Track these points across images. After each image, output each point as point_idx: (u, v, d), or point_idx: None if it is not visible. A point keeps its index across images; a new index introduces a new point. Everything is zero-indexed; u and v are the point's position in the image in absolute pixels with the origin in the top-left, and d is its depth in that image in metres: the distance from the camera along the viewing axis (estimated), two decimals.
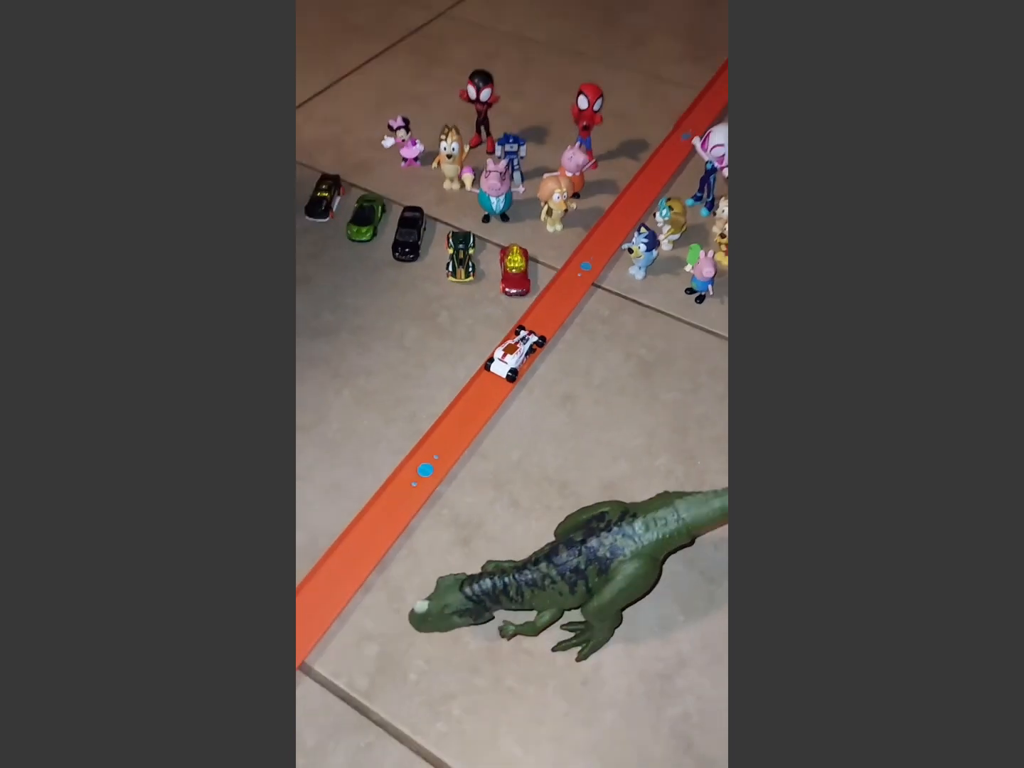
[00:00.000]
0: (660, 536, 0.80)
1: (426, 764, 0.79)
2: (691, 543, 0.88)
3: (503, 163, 1.35)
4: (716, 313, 1.27)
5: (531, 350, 1.18)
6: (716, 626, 0.89)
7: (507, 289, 1.27)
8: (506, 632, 0.86)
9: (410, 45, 1.89)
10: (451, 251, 1.32)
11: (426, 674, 0.85)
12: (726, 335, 1.24)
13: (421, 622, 0.83)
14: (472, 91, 1.46)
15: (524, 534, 0.97)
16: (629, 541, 0.80)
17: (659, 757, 0.80)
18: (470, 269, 1.30)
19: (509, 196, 1.38)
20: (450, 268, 1.30)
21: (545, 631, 0.85)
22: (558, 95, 1.70)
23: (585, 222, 1.42)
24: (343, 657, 0.86)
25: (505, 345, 1.15)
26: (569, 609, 0.85)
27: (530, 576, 0.81)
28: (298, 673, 0.84)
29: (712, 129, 1.35)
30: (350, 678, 0.85)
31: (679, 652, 0.88)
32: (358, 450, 1.07)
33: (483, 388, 1.14)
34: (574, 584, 0.80)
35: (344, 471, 1.04)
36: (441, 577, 0.83)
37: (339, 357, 1.19)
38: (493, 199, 1.37)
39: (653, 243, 1.26)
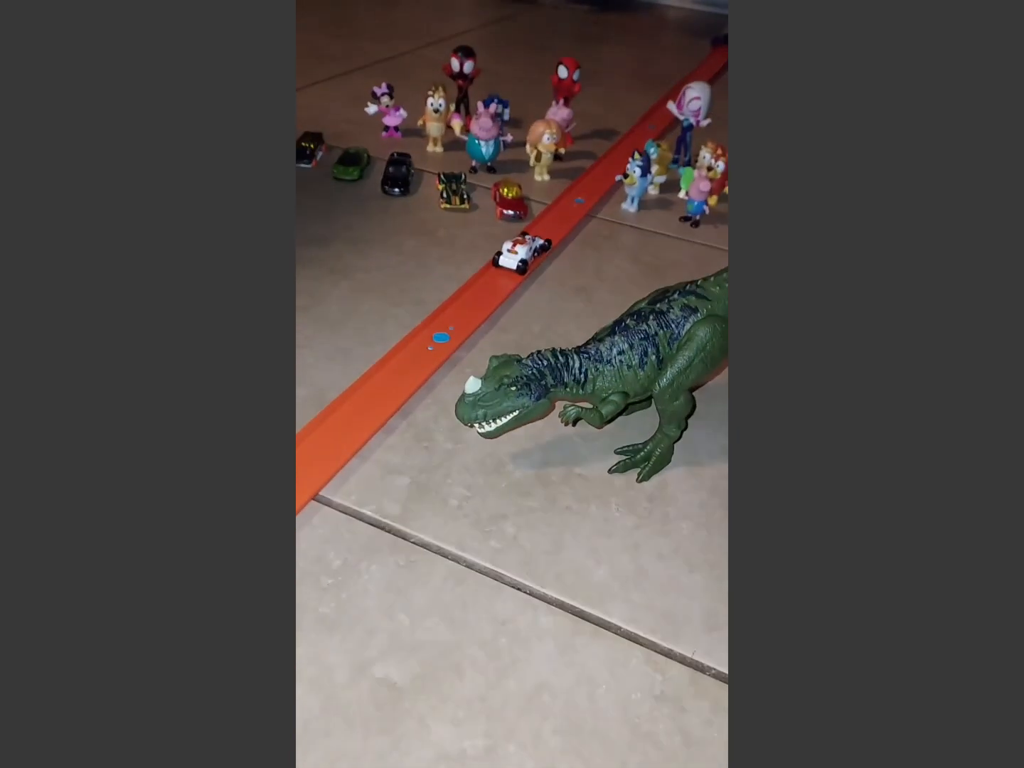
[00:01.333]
0: None
1: (482, 579, 0.65)
2: None
3: (493, 106, 1.38)
4: (714, 234, 1.28)
5: (538, 251, 1.14)
6: None
7: (504, 212, 1.25)
8: (567, 416, 0.75)
9: (381, 67, 1.98)
10: (442, 186, 1.30)
11: (469, 499, 0.72)
12: (726, 248, 1.25)
13: (470, 408, 0.69)
14: (456, 64, 1.52)
15: None
16: (702, 302, 0.73)
17: None
18: (464, 197, 1.28)
19: (497, 144, 1.40)
20: (445, 196, 1.28)
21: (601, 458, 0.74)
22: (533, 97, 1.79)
23: (572, 175, 1.45)
24: (369, 487, 0.73)
25: (512, 240, 1.11)
26: (635, 396, 0.75)
27: (595, 350, 0.72)
28: (313, 504, 0.70)
29: (686, 87, 1.44)
30: (379, 505, 0.71)
31: None
32: (363, 326, 0.97)
33: (493, 280, 1.08)
34: (644, 354, 0.72)
35: (349, 341, 0.94)
36: (493, 355, 0.73)
37: (334, 258, 1.11)
38: (482, 144, 1.38)
39: (647, 167, 1.29)
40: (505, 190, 1.28)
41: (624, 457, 0.78)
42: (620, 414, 0.77)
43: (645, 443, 0.78)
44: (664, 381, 0.73)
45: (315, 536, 0.67)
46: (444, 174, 1.33)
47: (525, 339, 0.97)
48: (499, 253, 1.10)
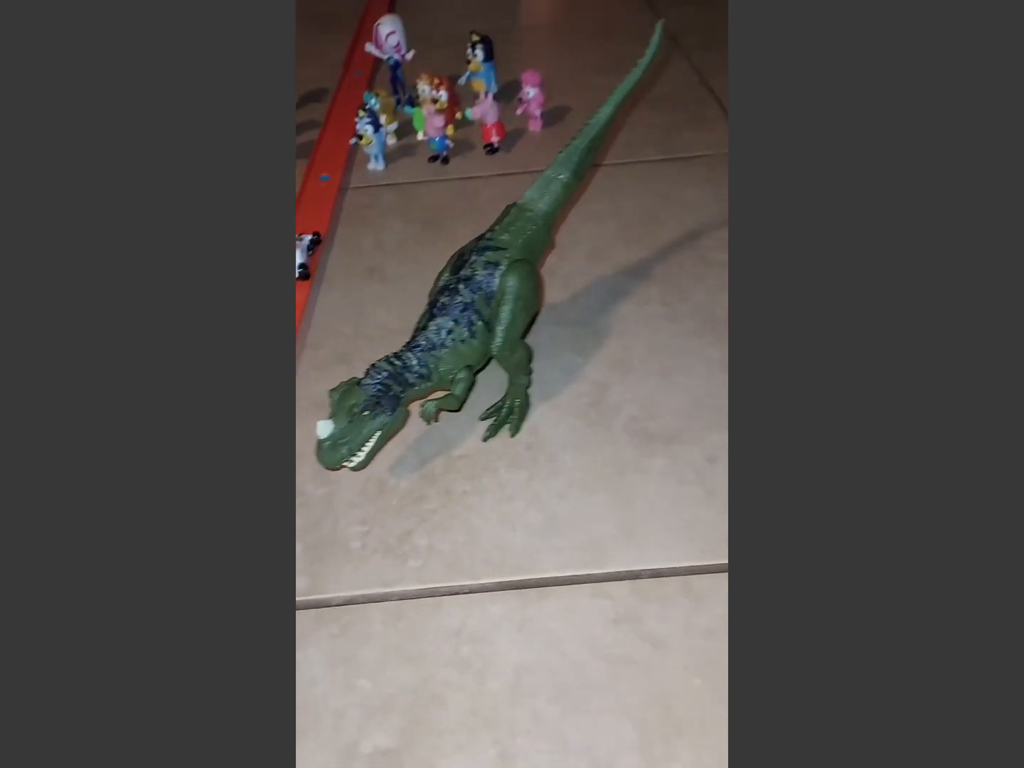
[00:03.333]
0: (525, 236, 0.76)
1: (418, 603, 0.65)
2: (553, 242, 0.89)
3: None
4: (467, 163, 1.28)
5: (311, 248, 1.08)
6: (614, 347, 0.87)
7: None
8: (427, 414, 0.74)
9: None
10: None
11: (368, 533, 0.70)
12: (488, 174, 1.25)
13: (332, 451, 0.67)
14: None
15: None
16: (500, 253, 0.74)
17: (630, 457, 0.74)
18: None
19: None
20: None
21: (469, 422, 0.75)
22: None
23: (302, 152, 1.36)
24: None
25: None
26: (478, 366, 0.76)
27: (425, 340, 0.71)
28: None
29: (377, 25, 1.38)
30: None
31: (595, 381, 0.83)
32: None
33: None
34: (470, 324, 0.72)
35: None
36: (331, 389, 0.69)
37: None
38: None
39: (376, 121, 1.24)
40: None
41: (490, 421, 0.79)
42: (472, 387, 0.78)
43: (503, 400, 0.79)
44: (499, 341, 0.73)
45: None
46: None
47: (342, 347, 0.93)
48: None
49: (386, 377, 0.69)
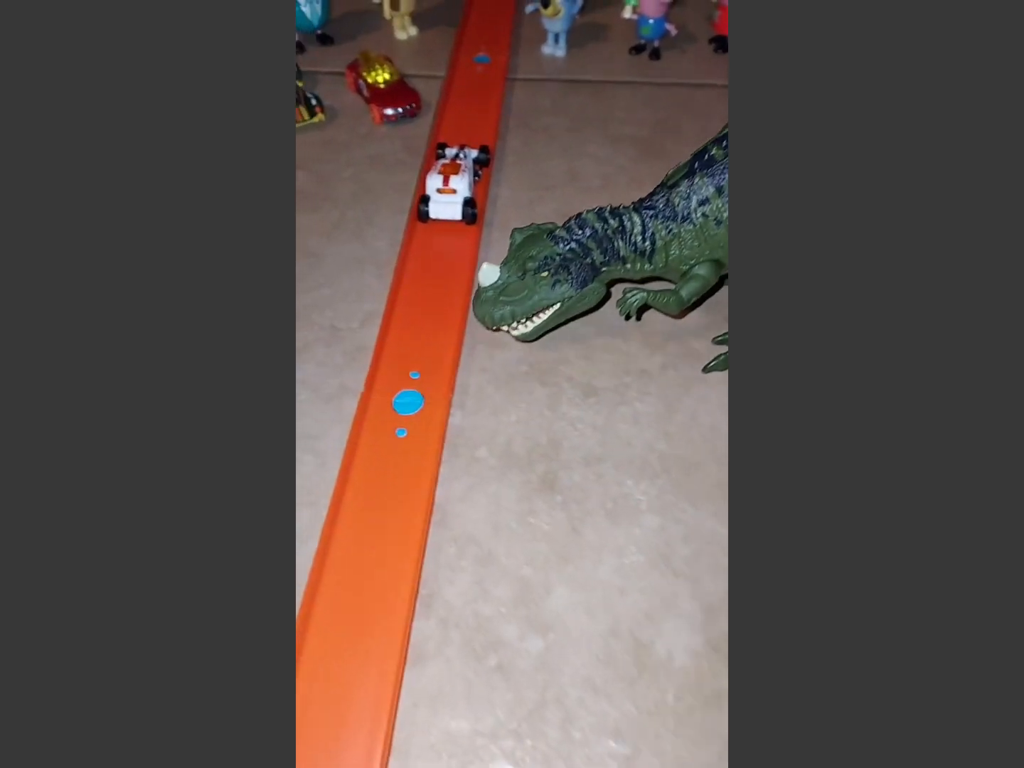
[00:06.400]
0: None
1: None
2: None
3: None
4: (687, 62, 0.88)
5: (477, 170, 0.71)
6: None
7: (386, 111, 0.79)
8: (629, 305, 0.54)
9: None
10: None
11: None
12: (722, 83, 0.86)
13: (490, 305, 0.52)
14: None
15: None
16: None
17: None
18: (312, 104, 0.79)
19: None
20: None
21: None
22: None
23: (448, 20, 0.96)
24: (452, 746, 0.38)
25: (436, 167, 0.68)
26: (727, 269, 0.54)
27: (665, 203, 0.52)
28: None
29: None
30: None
31: None
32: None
33: (431, 250, 0.66)
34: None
35: None
36: (517, 228, 0.55)
37: None
38: (302, 2, 0.86)
39: None
40: (372, 74, 0.80)
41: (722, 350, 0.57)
42: (711, 294, 0.58)
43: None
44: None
45: None
46: None
47: (538, 367, 0.59)
48: (424, 198, 0.66)
49: (589, 237, 0.53)
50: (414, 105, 0.79)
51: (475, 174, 0.70)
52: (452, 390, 0.54)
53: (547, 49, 0.89)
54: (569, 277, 0.52)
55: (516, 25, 0.94)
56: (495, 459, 0.51)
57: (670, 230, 0.53)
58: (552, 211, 0.70)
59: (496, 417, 0.54)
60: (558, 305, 0.53)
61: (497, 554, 0.46)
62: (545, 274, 0.52)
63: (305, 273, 0.64)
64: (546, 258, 0.52)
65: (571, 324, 0.59)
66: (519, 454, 0.51)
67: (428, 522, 0.47)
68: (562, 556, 0.46)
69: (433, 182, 0.66)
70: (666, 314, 0.57)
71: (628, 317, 0.58)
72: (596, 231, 0.52)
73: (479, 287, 0.53)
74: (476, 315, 0.53)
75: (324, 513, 0.48)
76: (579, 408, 0.54)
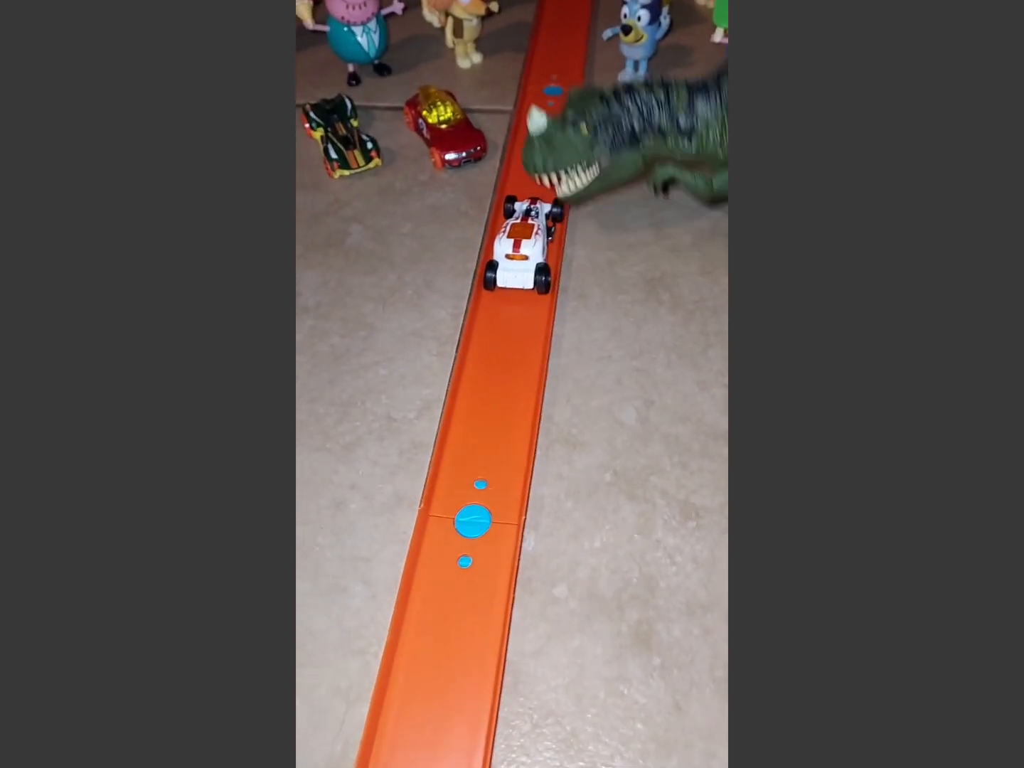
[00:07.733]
0: None
1: None
2: None
3: None
4: None
5: (551, 228, 0.63)
6: None
7: (448, 156, 0.71)
8: (657, 180, 0.57)
9: None
10: (318, 132, 0.73)
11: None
12: None
13: (529, 152, 0.54)
14: None
15: None
16: None
17: None
18: (368, 148, 0.72)
19: (383, 27, 0.81)
20: (332, 155, 0.72)
21: None
22: None
23: (513, 42, 0.88)
24: None
25: (506, 229, 0.60)
26: None
27: (716, 88, 0.53)
28: None
29: None
30: None
31: None
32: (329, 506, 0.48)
33: (497, 324, 0.58)
34: None
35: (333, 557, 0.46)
36: (574, 88, 0.55)
37: None
38: (358, 32, 0.79)
39: (656, 9, 0.74)
40: (433, 113, 0.73)
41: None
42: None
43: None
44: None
45: None
46: (312, 107, 0.75)
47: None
48: (491, 264, 0.58)
49: (639, 109, 0.54)
50: (479, 148, 0.71)
51: (548, 232, 0.62)
52: (525, 509, 0.47)
53: (625, 77, 0.80)
54: (606, 137, 0.54)
55: (590, 50, 0.85)
56: (576, 601, 0.43)
57: (716, 113, 0.54)
58: (637, 275, 0.61)
59: (577, 542, 0.45)
60: (595, 168, 0.55)
61: (582, 735, 0.38)
62: (583, 128, 0.53)
63: (360, 349, 0.57)
64: (587, 114, 0.53)
65: (657, 420, 0.51)
66: (605, 595, 0.43)
67: (500, 689, 0.39)
68: (663, 744, 0.37)
69: (502, 247, 0.58)
70: (695, 195, 0.59)
71: (656, 191, 0.61)
72: (646, 108, 0.54)
73: (528, 138, 0.55)
74: (523, 160, 0.56)
75: (375, 668, 0.41)
76: (677, 535, 0.45)
